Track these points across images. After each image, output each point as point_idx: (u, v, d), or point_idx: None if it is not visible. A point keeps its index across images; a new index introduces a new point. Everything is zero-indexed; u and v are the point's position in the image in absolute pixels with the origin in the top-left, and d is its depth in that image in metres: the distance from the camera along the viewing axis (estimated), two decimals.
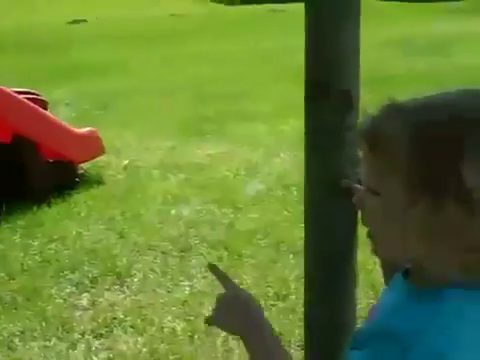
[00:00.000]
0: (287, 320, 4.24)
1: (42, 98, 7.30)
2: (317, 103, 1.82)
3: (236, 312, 1.52)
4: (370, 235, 1.37)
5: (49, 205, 6.39)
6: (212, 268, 1.61)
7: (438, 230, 1.23)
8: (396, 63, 13.92)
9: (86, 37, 20.77)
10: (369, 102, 1.37)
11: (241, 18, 27.11)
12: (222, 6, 36.21)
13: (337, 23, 1.78)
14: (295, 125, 7.98)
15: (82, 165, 7.35)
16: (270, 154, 7.95)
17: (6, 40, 20.05)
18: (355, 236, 2.22)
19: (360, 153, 1.33)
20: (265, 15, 28.14)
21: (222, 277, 1.58)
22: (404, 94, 1.35)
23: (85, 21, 27.04)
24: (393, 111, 1.27)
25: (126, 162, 7.84)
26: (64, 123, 7.21)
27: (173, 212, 6.26)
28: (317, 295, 2.28)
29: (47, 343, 4.22)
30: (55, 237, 5.72)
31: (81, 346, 4.17)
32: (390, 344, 1.24)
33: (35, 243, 5.63)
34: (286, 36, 16.79)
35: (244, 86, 12.15)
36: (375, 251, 1.38)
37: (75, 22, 26.50)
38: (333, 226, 2.15)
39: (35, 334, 4.32)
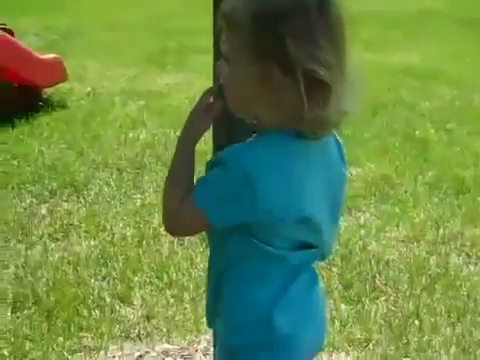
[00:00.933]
0: None
1: (8, 27, 7.48)
2: None
3: (192, 112, 1.81)
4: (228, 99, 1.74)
5: (13, 126, 6.66)
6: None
7: (268, 90, 1.63)
8: None
9: None
10: None
11: None
12: None
13: None
14: None
15: (46, 90, 7.59)
16: None
17: None
18: None
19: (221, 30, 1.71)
20: None
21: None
22: None
23: None
24: None
25: (89, 89, 8.13)
26: (29, 48, 7.44)
27: (131, 135, 6.60)
28: None
29: (7, 244, 4.60)
30: (17, 154, 6.04)
31: (38, 247, 4.53)
32: (222, 167, 1.65)
33: None
34: None
35: (204, 22, 12.30)
36: (231, 110, 1.75)
37: None
38: None
39: None
